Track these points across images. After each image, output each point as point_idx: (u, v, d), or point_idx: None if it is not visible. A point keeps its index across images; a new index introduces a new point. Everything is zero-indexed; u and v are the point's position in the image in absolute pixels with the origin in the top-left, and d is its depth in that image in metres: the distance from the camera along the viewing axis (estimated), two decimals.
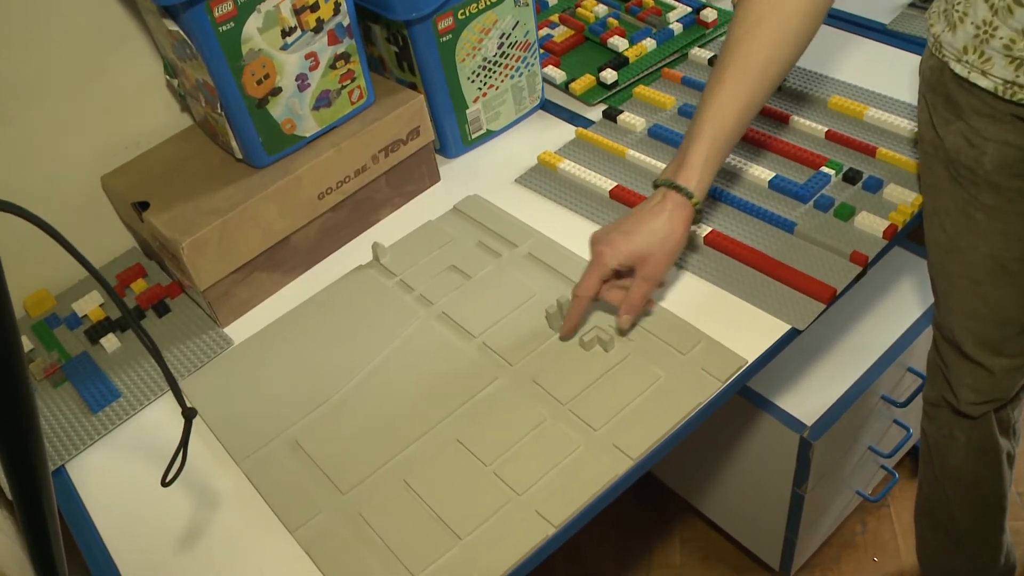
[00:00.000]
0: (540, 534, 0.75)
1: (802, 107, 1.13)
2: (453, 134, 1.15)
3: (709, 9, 1.28)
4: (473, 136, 1.17)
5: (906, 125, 1.05)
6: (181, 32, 0.88)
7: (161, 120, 1.09)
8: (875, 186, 0.99)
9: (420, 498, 0.79)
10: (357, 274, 1.02)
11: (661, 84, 1.22)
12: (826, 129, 1.07)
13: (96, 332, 1.01)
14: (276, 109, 0.96)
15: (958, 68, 0.80)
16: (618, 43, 1.26)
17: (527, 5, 1.11)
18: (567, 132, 1.18)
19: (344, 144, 1.01)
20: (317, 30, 0.95)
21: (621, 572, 1.54)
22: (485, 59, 1.10)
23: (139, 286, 1.06)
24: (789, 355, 1.21)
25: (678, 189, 0.83)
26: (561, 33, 1.33)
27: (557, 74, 1.25)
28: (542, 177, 1.11)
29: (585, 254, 0.98)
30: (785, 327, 0.88)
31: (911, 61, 1.19)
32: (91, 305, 1.04)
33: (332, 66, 0.99)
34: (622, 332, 0.88)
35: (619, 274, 0.87)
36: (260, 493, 0.83)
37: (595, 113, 1.21)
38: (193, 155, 1.04)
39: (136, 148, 1.08)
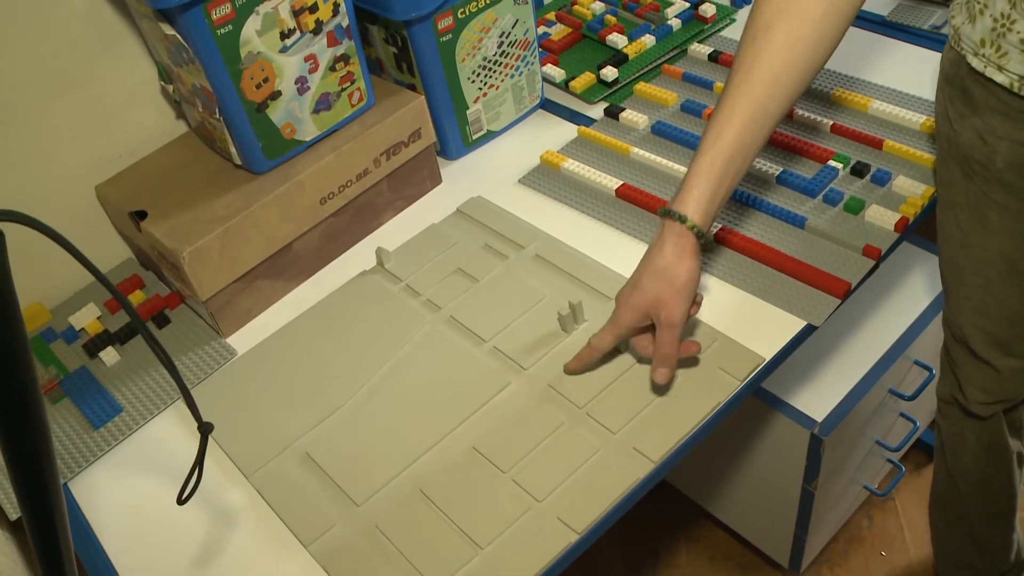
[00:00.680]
0: (563, 541, 0.73)
1: (806, 101, 1.12)
2: (454, 135, 1.13)
3: (707, 4, 1.27)
4: (474, 137, 1.15)
5: (912, 117, 1.05)
6: (178, 36, 0.86)
7: (156, 127, 1.07)
8: (884, 179, 0.98)
9: (437, 508, 0.77)
10: (361, 280, 1.01)
11: (662, 80, 1.21)
12: (831, 122, 1.06)
13: (94, 345, 0.98)
14: (276, 113, 0.94)
15: (975, 62, 0.78)
16: (617, 40, 1.25)
17: (526, 3, 1.09)
18: (568, 131, 1.17)
19: (345, 148, 0.99)
20: (316, 32, 0.93)
21: (628, 573, 1.52)
22: (485, 58, 1.09)
23: (137, 297, 1.03)
24: (796, 351, 1.20)
25: (672, 216, 0.79)
26: (559, 31, 1.32)
27: (556, 72, 1.23)
28: (545, 177, 1.09)
29: (594, 253, 0.97)
30: (801, 323, 0.87)
31: (911, 52, 1.18)
32: (88, 318, 1.02)
33: (332, 68, 0.97)
34: (658, 386, 0.82)
35: (650, 329, 0.82)
36: (272, 507, 0.81)
37: (596, 111, 1.19)
38: (190, 162, 1.02)
39: (131, 156, 1.05)
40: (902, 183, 0.97)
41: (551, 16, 1.35)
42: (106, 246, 1.09)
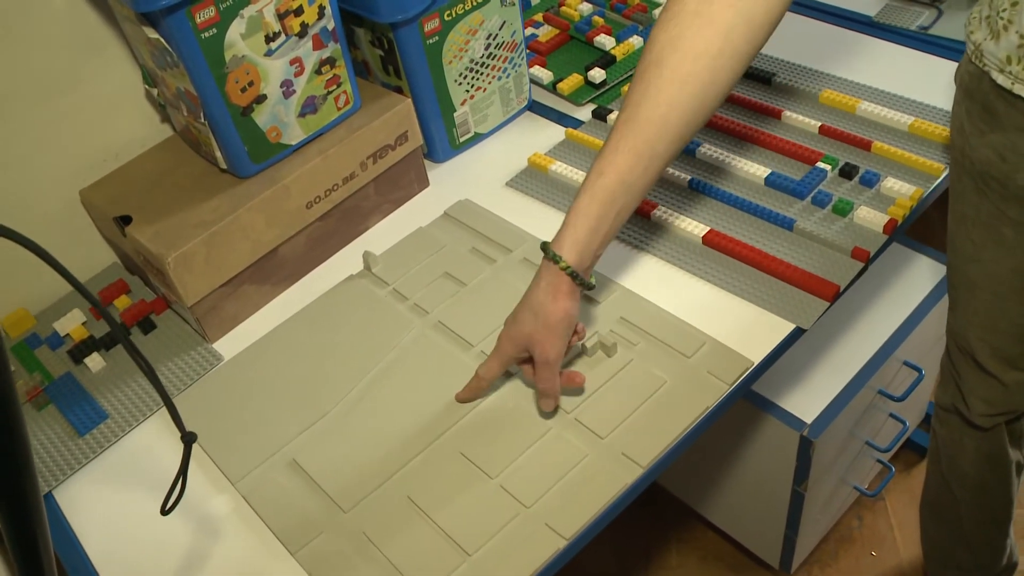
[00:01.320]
0: (551, 547, 0.73)
1: (793, 102, 1.12)
2: (441, 138, 1.12)
3: None
4: (461, 140, 1.14)
5: (900, 118, 1.04)
6: (161, 40, 0.85)
7: (140, 131, 1.06)
8: (872, 180, 0.98)
9: (425, 514, 0.77)
10: (348, 284, 1.00)
11: None
12: (819, 124, 1.06)
13: (80, 351, 0.97)
14: (261, 117, 0.94)
15: (1001, 79, 0.75)
16: (605, 41, 1.25)
17: (513, 5, 1.09)
18: (556, 133, 1.16)
19: (331, 151, 0.98)
20: (302, 35, 0.93)
21: (619, 575, 1.52)
22: (472, 60, 1.08)
23: (123, 303, 1.02)
24: (785, 353, 1.20)
25: (547, 254, 0.77)
26: (546, 32, 1.31)
27: (544, 74, 1.23)
28: (533, 180, 1.09)
29: None
30: (790, 326, 0.87)
31: (898, 53, 1.18)
32: (73, 323, 1.01)
33: (317, 71, 0.96)
34: (545, 413, 0.82)
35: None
36: (258, 514, 0.80)
37: (584, 113, 1.19)
38: (175, 166, 1.01)
39: (116, 160, 1.04)
40: (891, 185, 0.97)
41: (539, 17, 1.35)
42: (91, 251, 1.08)
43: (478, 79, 1.10)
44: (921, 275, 1.29)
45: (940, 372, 1.06)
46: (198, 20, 0.84)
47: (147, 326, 1.00)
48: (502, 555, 0.73)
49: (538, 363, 0.78)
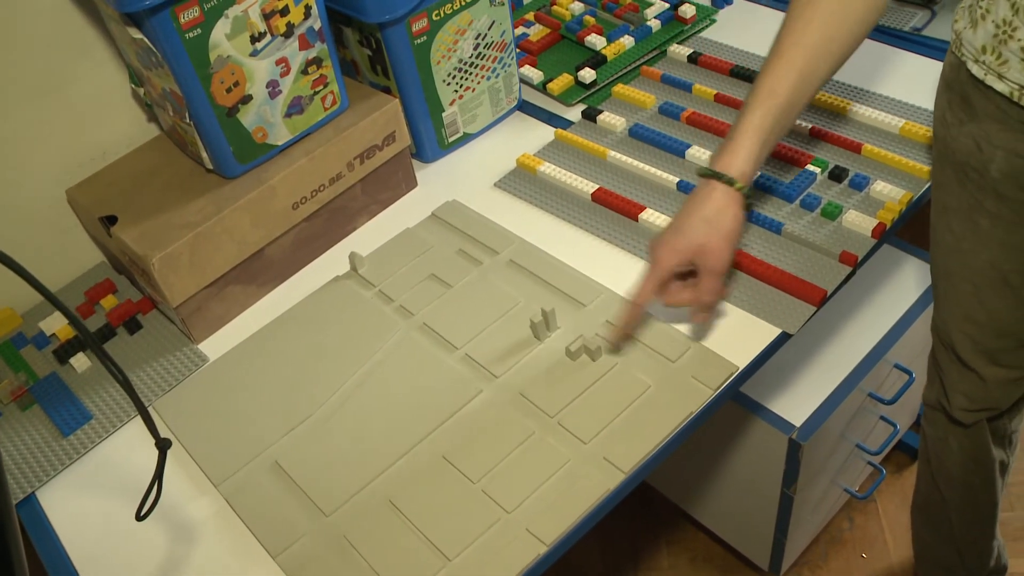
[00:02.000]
0: (531, 553, 0.73)
1: None
2: (429, 138, 1.12)
3: (687, 5, 1.26)
4: (450, 140, 1.14)
5: (891, 121, 1.04)
6: (146, 40, 0.85)
7: (127, 130, 1.05)
8: (862, 184, 0.98)
9: (406, 518, 0.77)
10: (334, 285, 1.00)
11: (640, 82, 1.20)
12: (810, 126, 1.06)
13: (65, 351, 0.97)
14: (247, 117, 0.93)
15: (975, 69, 0.76)
16: (596, 41, 1.24)
17: (503, 4, 1.08)
18: (546, 134, 1.16)
19: (318, 152, 0.98)
20: (287, 35, 0.92)
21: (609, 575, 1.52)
22: (461, 60, 1.08)
23: (109, 302, 1.02)
24: (774, 355, 1.20)
25: (719, 178, 0.80)
26: (537, 32, 1.31)
27: (534, 74, 1.22)
28: (522, 181, 1.08)
29: (569, 258, 0.97)
30: (776, 331, 0.86)
31: (890, 55, 1.18)
32: (59, 323, 1.00)
33: (304, 71, 0.96)
34: (698, 329, 0.85)
35: (683, 276, 0.83)
36: (240, 517, 0.80)
37: (574, 113, 1.18)
38: (161, 166, 1.01)
39: (102, 159, 1.04)
40: (880, 188, 0.96)
41: (530, 16, 1.34)
42: (78, 250, 1.08)
43: (467, 79, 1.10)
44: (913, 277, 1.29)
45: (927, 371, 1.06)
46: (182, 20, 0.83)
47: (133, 326, 0.99)
48: (482, 561, 0.73)
49: (707, 272, 0.79)
